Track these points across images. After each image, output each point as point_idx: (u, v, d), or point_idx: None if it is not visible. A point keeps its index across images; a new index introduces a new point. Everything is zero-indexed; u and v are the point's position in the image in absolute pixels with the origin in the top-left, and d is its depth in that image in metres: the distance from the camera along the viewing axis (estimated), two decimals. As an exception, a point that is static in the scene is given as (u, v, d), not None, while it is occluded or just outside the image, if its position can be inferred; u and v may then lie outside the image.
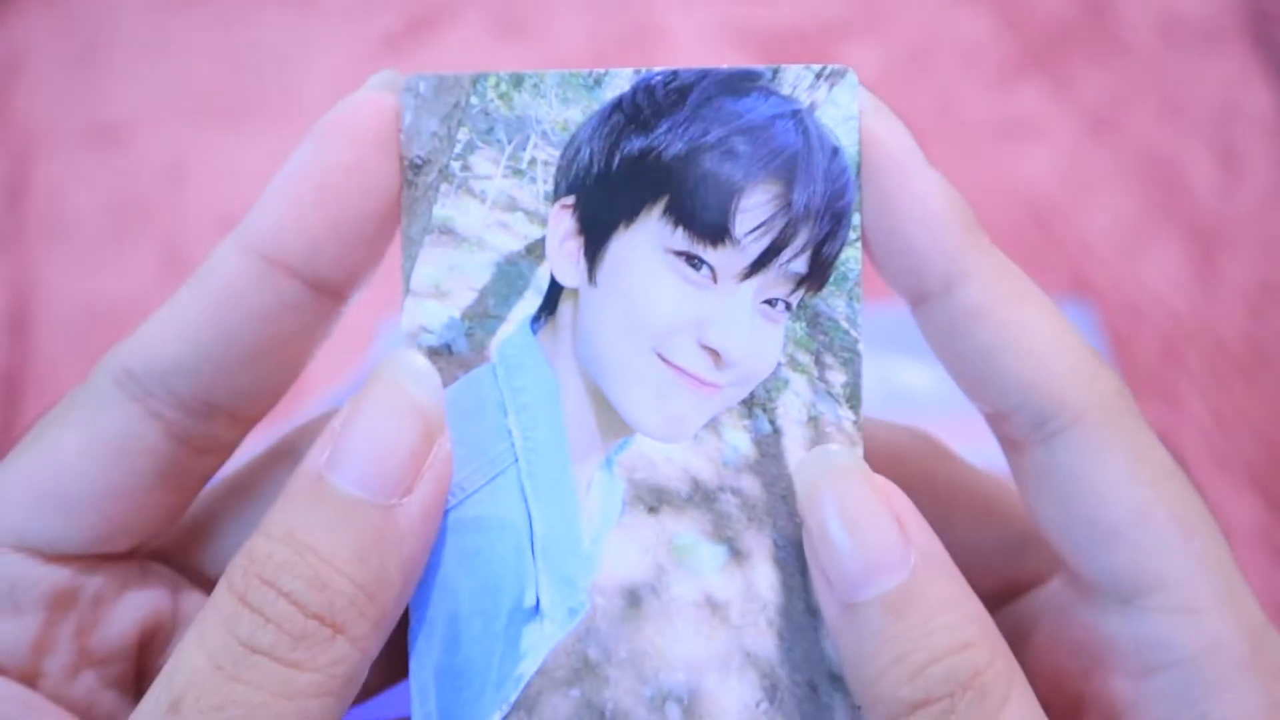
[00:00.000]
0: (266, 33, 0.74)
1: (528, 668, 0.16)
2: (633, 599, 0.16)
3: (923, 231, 0.17)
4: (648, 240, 0.17)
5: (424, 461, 0.15)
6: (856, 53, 0.72)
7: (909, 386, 0.50)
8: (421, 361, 0.16)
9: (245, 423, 0.17)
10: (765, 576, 0.17)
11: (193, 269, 0.62)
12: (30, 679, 0.16)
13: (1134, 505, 0.16)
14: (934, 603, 0.15)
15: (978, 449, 0.47)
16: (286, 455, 0.19)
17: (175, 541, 0.18)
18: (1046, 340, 0.17)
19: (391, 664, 0.16)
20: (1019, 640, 0.18)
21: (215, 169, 0.64)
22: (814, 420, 0.17)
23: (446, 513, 0.16)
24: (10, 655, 0.16)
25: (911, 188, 0.17)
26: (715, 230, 0.17)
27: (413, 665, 0.16)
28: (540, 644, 0.16)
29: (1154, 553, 0.16)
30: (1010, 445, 0.18)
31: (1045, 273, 0.57)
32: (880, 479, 0.16)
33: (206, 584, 0.17)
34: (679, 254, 0.17)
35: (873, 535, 0.16)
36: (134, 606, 0.17)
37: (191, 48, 0.73)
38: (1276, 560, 0.45)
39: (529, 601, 0.16)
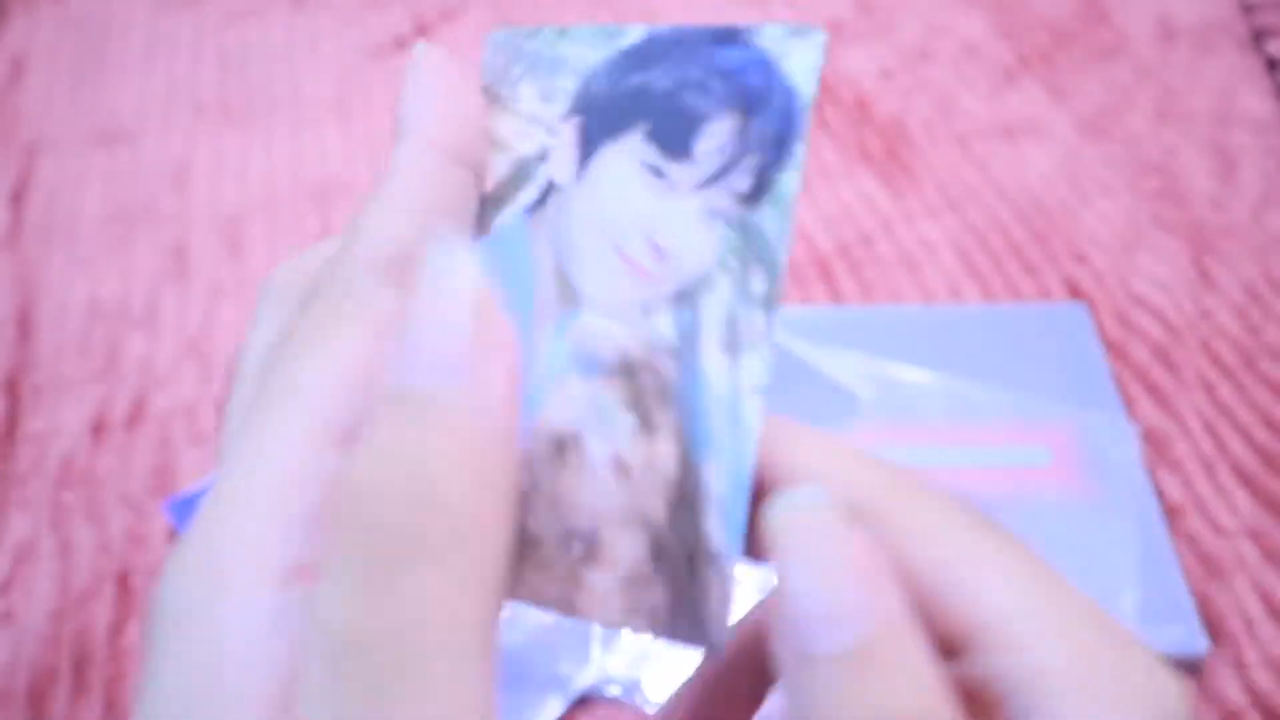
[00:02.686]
0: (268, 34, 0.75)
1: None
2: (559, 447, 0.20)
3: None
4: (627, 153, 0.21)
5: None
6: (856, 53, 0.72)
7: (909, 386, 0.50)
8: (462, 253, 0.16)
9: None
10: (666, 451, 0.19)
11: (195, 270, 0.62)
12: None
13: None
14: (897, 662, 0.15)
15: (977, 450, 0.48)
16: None
17: None
18: None
19: None
20: None
21: (218, 170, 0.64)
22: (731, 321, 0.19)
23: None
24: None
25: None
26: (680, 148, 0.20)
27: None
28: None
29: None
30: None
31: (1040, 275, 0.57)
32: (861, 532, 0.16)
33: None
34: (649, 166, 0.20)
35: (843, 587, 0.15)
36: None
37: (194, 49, 0.74)
38: (1270, 562, 0.45)
39: None
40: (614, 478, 0.19)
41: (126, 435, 0.50)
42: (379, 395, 0.15)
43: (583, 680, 0.41)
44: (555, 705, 0.41)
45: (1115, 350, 0.53)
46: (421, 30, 0.75)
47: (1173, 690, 0.15)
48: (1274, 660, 0.43)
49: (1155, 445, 0.49)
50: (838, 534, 0.16)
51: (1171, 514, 0.47)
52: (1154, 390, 0.52)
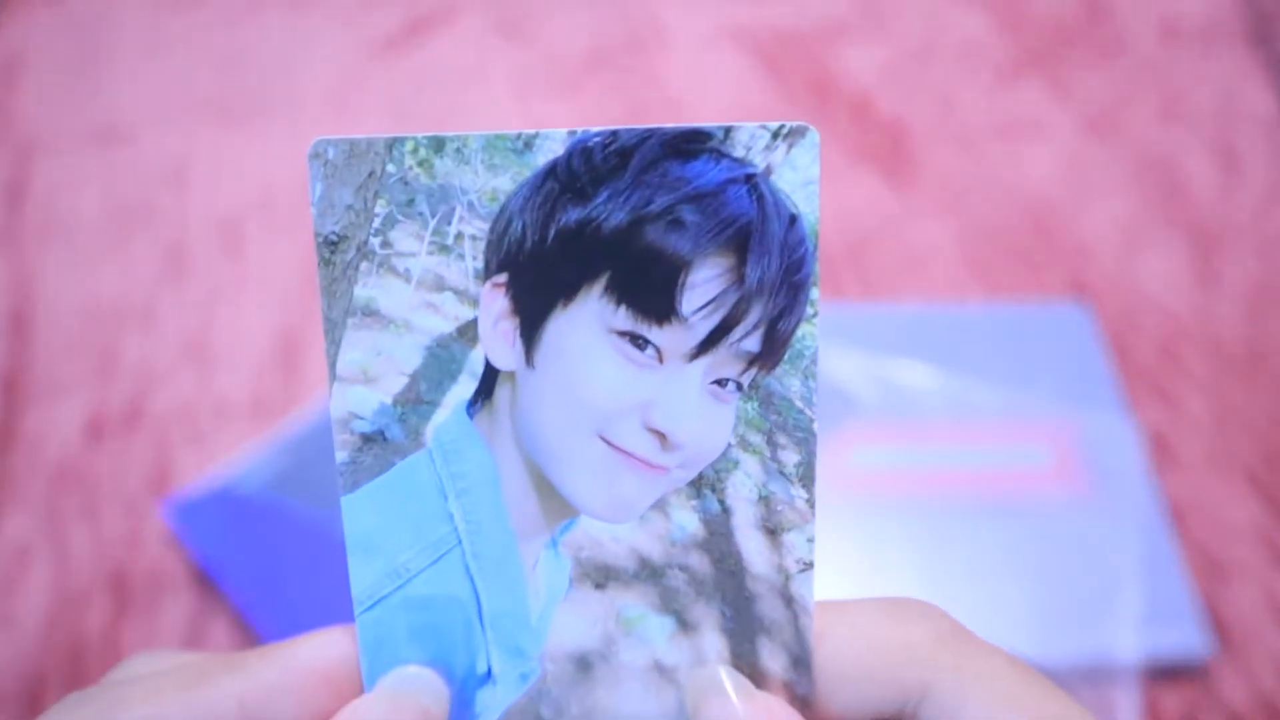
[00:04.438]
0: (267, 33, 0.74)
1: None
2: (583, 664, 0.17)
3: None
4: (588, 320, 0.16)
5: None
6: (856, 53, 0.72)
7: (909, 387, 0.50)
8: (426, 673, 0.17)
9: None
10: (714, 644, 0.17)
11: (193, 269, 0.62)
12: None
13: None
14: None
15: (977, 450, 0.48)
16: None
17: None
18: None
19: None
20: None
21: (216, 169, 0.64)
22: (765, 500, 0.16)
23: (394, 592, 0.17)
24: None
25: None
26: (660, 309, 0.15)
27: None
28: (494, 706, 0.17)
29: None
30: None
31: (1043, 274, 0.57)
32: (761, 696, 0.17)
33: None
34: (622, 334, 0.16)
35: None
36: None
37: (192, 49, 0.73)
38: (1277, 564, 0.45)
39: (481, 668, 0.17)
40: (657, 681, 0.17)
41: (123, 436, 0.50)
42: None
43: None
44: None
45: (1119, 349, 0.53)
46: (418, 29, 0.74)
47: None
48: None
49: (1159, 445, 0.49)
50: (749, 704, 0.17)
51: (1176, 515, 0.47)
52: (1158, 389, 0.51)
